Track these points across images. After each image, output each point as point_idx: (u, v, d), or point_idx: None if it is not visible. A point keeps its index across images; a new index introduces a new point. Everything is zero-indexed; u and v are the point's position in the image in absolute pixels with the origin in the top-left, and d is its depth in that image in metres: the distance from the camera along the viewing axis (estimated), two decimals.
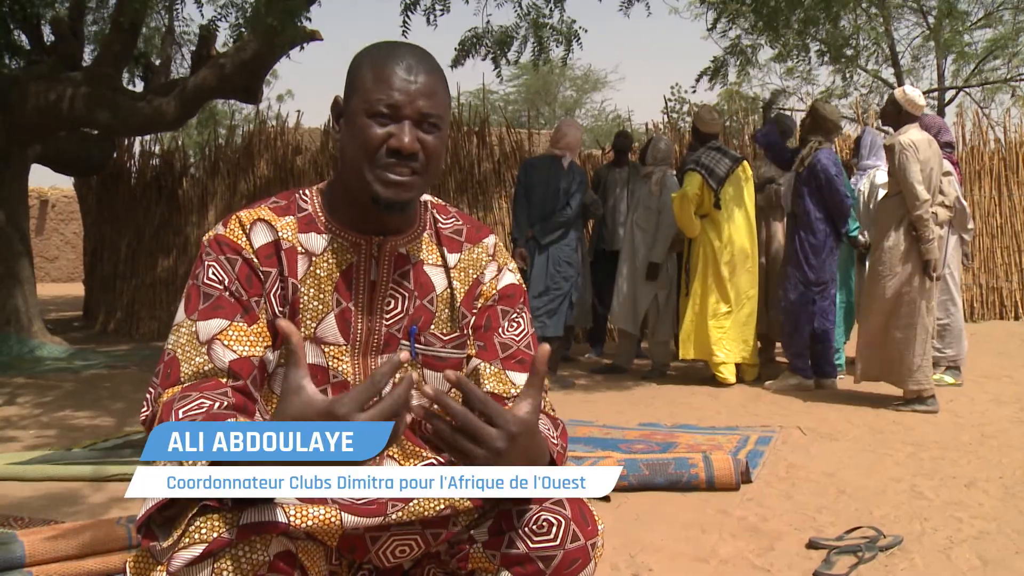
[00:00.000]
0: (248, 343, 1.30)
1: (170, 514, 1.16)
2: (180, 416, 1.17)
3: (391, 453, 1.42)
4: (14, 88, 7.28)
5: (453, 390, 1.28)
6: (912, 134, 4.55)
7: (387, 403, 1.10)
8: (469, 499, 1.29)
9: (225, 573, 1.10)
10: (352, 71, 1.37)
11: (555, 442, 1.33)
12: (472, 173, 8.69)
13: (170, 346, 1.31)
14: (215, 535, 1.10)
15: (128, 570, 1.15)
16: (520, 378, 1.43)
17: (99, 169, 9.09)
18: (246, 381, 1.28)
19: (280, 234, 1.37)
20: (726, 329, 5.49)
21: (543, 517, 1.25)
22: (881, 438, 4.06)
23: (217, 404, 1.19)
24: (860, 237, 5.49)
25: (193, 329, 1.29)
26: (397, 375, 1.19)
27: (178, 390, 1.24)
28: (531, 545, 1.25)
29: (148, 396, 1.30)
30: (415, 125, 1.31)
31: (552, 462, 1.29)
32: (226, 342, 1.28)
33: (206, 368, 1.26)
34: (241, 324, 1.31)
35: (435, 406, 1.18)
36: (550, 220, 5.63)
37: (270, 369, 1.36)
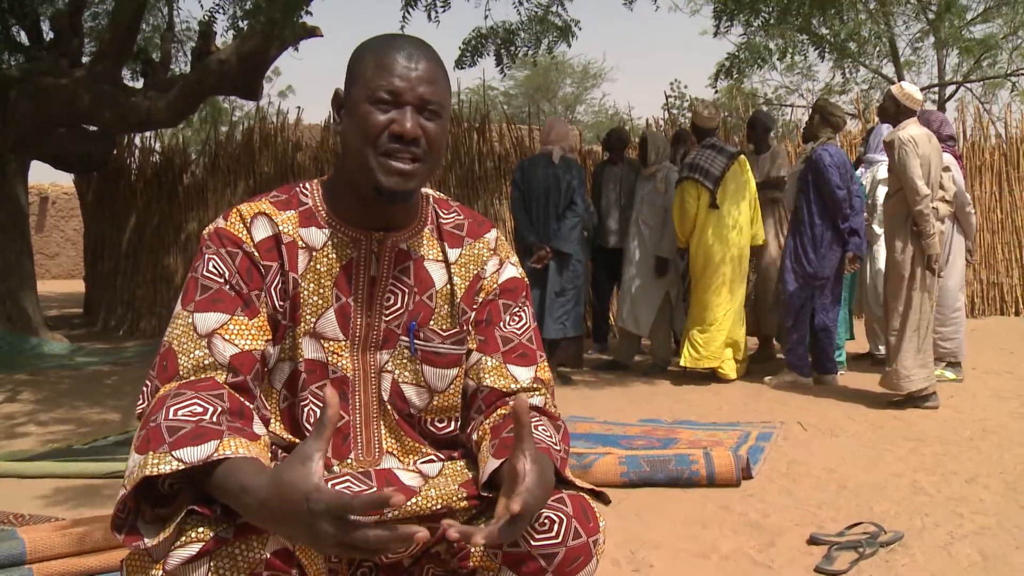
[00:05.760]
0: (250, 336, 1.29)
1: (163, 513, 1.16)
2: (171, 415, 1.15)
3: (390, 448, 1.42)
4: (14, 85, 7.27)
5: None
6: (911, 129, 4.54)
7: (361, 538, 1.02)
8: (465, 497, 1.30)
9: (222, 571, 1.09)
10: (353, 62, 1.37)
11: (557, 449, 1.31)
12: (473, 169, 8.69)
13: (167, 338, 1.30)
14: (212, 534, 1.10)
15: (123, 568, 1.14)
16: (521, 372, 1.42)
17: (99, 166, 9.07)
18: (246, 377, 1.27)
19: (281, 228, 1.37)
20: (723, 327, 5.48)
21: (544, 514, 1.25)
22: (882, 434, 4.06)
23: (211, 412, 1.17)
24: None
25: (190, 320, 1.28)
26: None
27: (175, 386, 1.22)
28: (533, 543, 1.24)
29: (145, 389, 1.29)
30: (416, 111, 1.31)
31: (556, 471, 1.28)
32: (227, 336, 1.27)
33: (206, 362, 1.25)
34: (242, 318, 1.30)
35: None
36: (564, 224, 5.58)
37: (270, 363, 1.36)
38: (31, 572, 2.23)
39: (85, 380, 5.98)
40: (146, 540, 1.12)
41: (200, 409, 1.16)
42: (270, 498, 1.05)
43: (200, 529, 1.10)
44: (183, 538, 1.10)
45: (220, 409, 1.18)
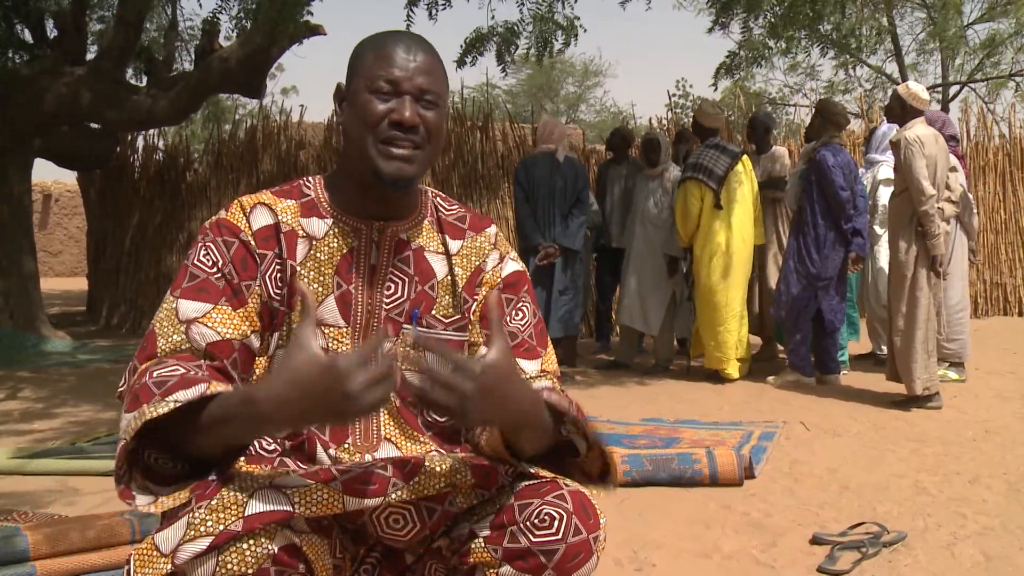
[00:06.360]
0: (232, 326, 1.32)
1: (153, 488, 1.17)
2: (154, 375, 1.19)
3: (389, 435, 1.43)
4: (17, 83, 7.28)
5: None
6: (918, 129, 4.53)
7: (382, 369, 1.11)
8: (471, 472, 1.31)
9: (230, 566, 1.10)
10: (354, 57, 1.41)
11: (573, 411, 1.33)
12: (476, 168, 8.69)
13: (153, 321, 1.33)
14: (221, 527, 1.11)
15: (132, 562, 1.15)
16: (528, 364, 1.44)
17: (102, 164, 9.09)
18: (224, 362, 1.30)
19: (280, 217, 1.40)
20: (729, 328, 5.48)
21: (545, 511, 1.26)
22: (884, 434, 4.05)
23: (192, 370, 1.21)
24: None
25: (173, 306, 1.32)
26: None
27: (154, 361, 1.26)
28: (533, 539, 1.25)
29: (127, 370, 1.32)
30: (415, 100, 1.35)
31: (575, 420, 1.32)
32: (209, 324, 1.30)
33: (183, 347, 1.29)
34: (225, 307, 1.32)
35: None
36: (572, 221, 5.58)
37: (270, 350, 1.37)
38: (35, 569, 2.23)
39: (87, 378, 5.99)
40: (138, 500, 1.15)
41: (182, 370, 1.21)
42: (287, 390, 1.10)
43: (209, 523, 1.11)
44: (191, 531, 1.10)
45: (200, 374, 1.22)
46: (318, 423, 1.15)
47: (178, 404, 1.13)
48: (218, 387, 1.16)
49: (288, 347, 1.15)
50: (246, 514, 1.12)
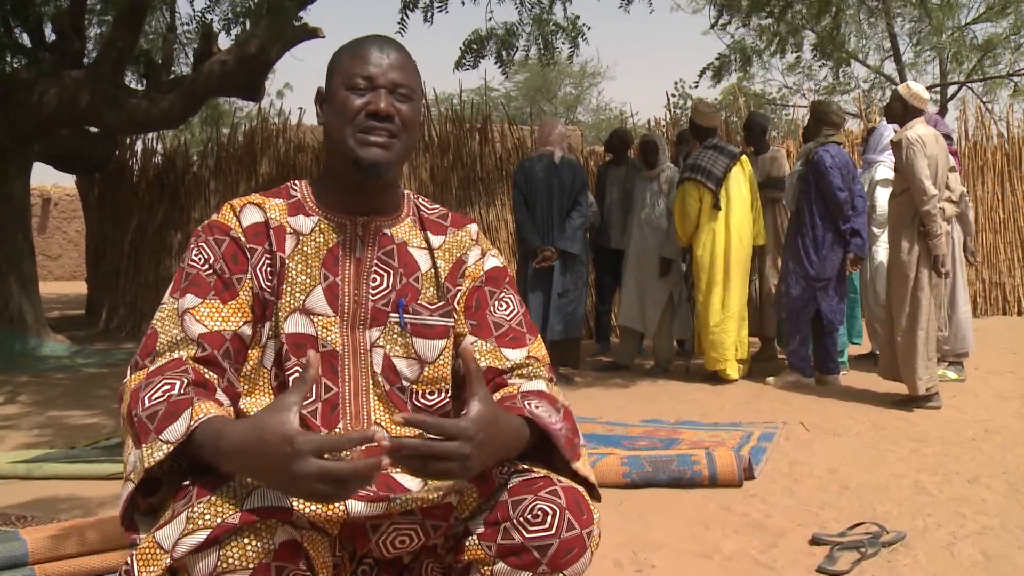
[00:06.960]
0: (221, 318, 1.38)
1: (154, 502, 1.23)
2: (146, 404, 1.23)
3: (379, 420, 1.45)
4: (16, 86, 7.28)
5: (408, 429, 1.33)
6: (919, 129, 4.53)
7: (341, 468, 1.10)
8: (475, 485, 1.32)
9: (231, 560, 1.11)
10: (332, 61, 1.50)
11: (558, 427, 1.35)
12: (474, 170, 8.69)
13: (153, 321, 1.40)
14: (219, 520, 1.11)
15: (134, 560, 1.15)
16: (513, 354, 1.49)
17: (101, 167, 9.09)
18: (214, 352, 1.35)
19: (269, 215, 1.46)
20: (727, 328, 5.48)
21: (538, 506, 1.27)
22: (884, 434, 4.05)
23: (178, 385, 1.25)
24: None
25: (174, 306, 1.39)
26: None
27: (143, 376, 1.30)
28: (526, 535, 1.26)
29: (130, 367, 1.37)
30: (389, 93, 1.43)
31: (552, 445, 1.35)
32: (198, 316, 1.36)
33: (179, 338, 1.34)
34: (215, 301, 1.38)
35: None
36: (569, 224, 5.58)
37: (262, 342, 1.42)
38: (33, 573, 2.23)
39: (87, 381, 5.99)
40: (140, 535, 1.21)
41: (168, 386, 1.25)
42: (249, 441, 1.13)
43: (207, 516, 1.11)
44: (190, 525, 1.11)
45: (186, 381, 1.27)
46: (266, 484, 1.15)
47: (170, 447, 1.18)
48: (199, 414, 1.20)
49: (270, 403, 1.18)
50: (245, 507, 1.14)
